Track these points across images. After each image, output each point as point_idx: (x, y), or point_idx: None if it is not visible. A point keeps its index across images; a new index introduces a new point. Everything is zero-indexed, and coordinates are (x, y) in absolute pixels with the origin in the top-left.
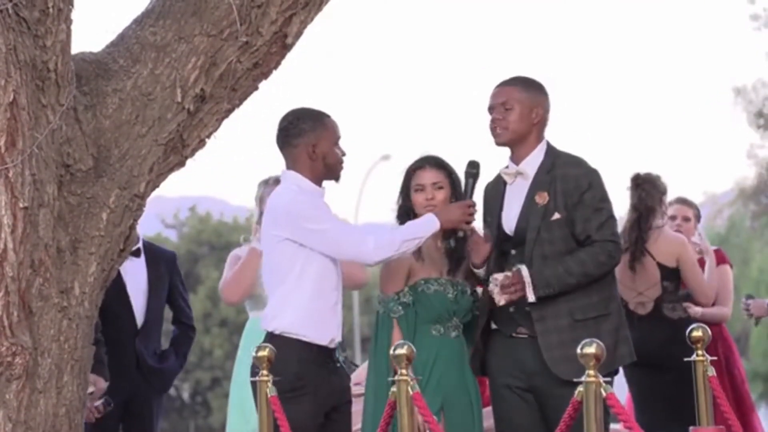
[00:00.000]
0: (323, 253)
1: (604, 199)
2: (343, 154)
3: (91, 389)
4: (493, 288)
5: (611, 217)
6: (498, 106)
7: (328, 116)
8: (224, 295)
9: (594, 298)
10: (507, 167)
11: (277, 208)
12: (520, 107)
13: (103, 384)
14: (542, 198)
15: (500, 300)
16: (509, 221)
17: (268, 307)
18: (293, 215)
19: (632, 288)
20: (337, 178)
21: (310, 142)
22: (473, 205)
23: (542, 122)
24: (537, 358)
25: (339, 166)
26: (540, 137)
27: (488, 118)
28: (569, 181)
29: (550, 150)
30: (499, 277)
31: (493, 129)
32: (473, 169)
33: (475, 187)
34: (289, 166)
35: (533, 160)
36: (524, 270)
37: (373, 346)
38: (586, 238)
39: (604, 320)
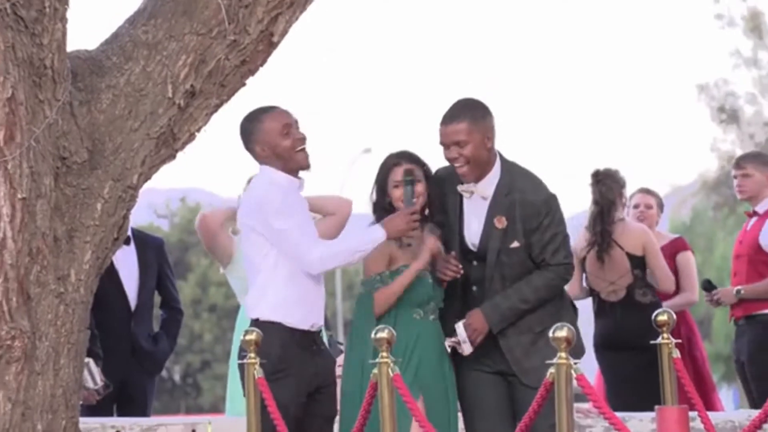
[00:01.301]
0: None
1: (560, 222)
2: (299, 138)
3: (99, 384)
4: (459, 346)
5: (565, 238)
6: (452, 145)
7: (266, 111)
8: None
9: (548, 308)
10: (462, 183)
11: (250, 200)
12: (473, 141)
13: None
14: (501, 222)
15: (468, 351)
16: (471, 236)
17: (249, 296)
18: (262, 209)
19: (602, 278)
20: (303, 166)
21: (258, 142)
22: (416, 212)
23: (493, 143)
24: (505, 357)
25: (292, 152)
26: (494, 154)
27: (443, 150)
28: (528, 207)
29: (505, 165)
30: (458, 338)
31: (455, 168)
32: (409, 176)
33: (415, 193)
34: (260, 163)
35: (491, 180)
36: (459, 328)
37: (352, 325)
38: (541, 261)
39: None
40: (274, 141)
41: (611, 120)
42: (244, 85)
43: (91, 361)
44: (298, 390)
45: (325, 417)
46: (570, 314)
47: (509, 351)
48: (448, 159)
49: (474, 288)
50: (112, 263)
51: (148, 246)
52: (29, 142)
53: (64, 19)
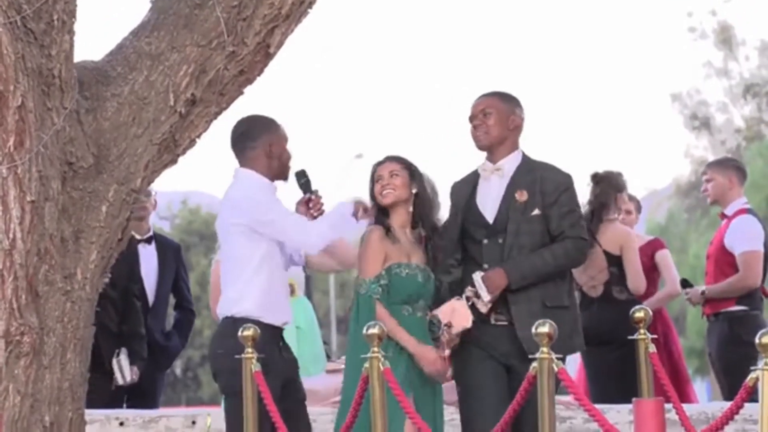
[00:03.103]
0: (276, 240)
1: (577, 203)
2: (290, 157)
3: (128, 381)
4: (477, 299)
5: (581, 219)
6: (478, 114)
7: (277, 122)
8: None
9: (561, 289)
10: (483, 164)
11: (233, 199)
12: (497, 113)
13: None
14: (522, 195)
15: (486, 299)
16: (488, 211)
17: (228, 293)
18: (249, 205)
19: (584, 273)
20: (286, 178)
21: (267, 142)
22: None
23: (517, 130)
24: (513, 343)
25: (289, 165)
26: (515, 144)
27: (469, 127)
28: (549, 182)
29: (526, 158)
30: (476, 288)
31: (474, 135)
32: (303, 177)
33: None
34: (243, 165)
35: (511, 161)
36: (477, 277)
37: (353, 324)
38: (560, 234)
39: (566, 311)
40: (283, 148)
41: (590, 126)
42: (242, 93)
43: (123, 357)
44: (274, 382)
45: (300, 400)
46: (575, 307)
47: (519, 317)
48: (473, 128)
49: (486, 266)
50: (138, 260)
51: (167, 248)
52: (38, 148)
53: (71, 32)
